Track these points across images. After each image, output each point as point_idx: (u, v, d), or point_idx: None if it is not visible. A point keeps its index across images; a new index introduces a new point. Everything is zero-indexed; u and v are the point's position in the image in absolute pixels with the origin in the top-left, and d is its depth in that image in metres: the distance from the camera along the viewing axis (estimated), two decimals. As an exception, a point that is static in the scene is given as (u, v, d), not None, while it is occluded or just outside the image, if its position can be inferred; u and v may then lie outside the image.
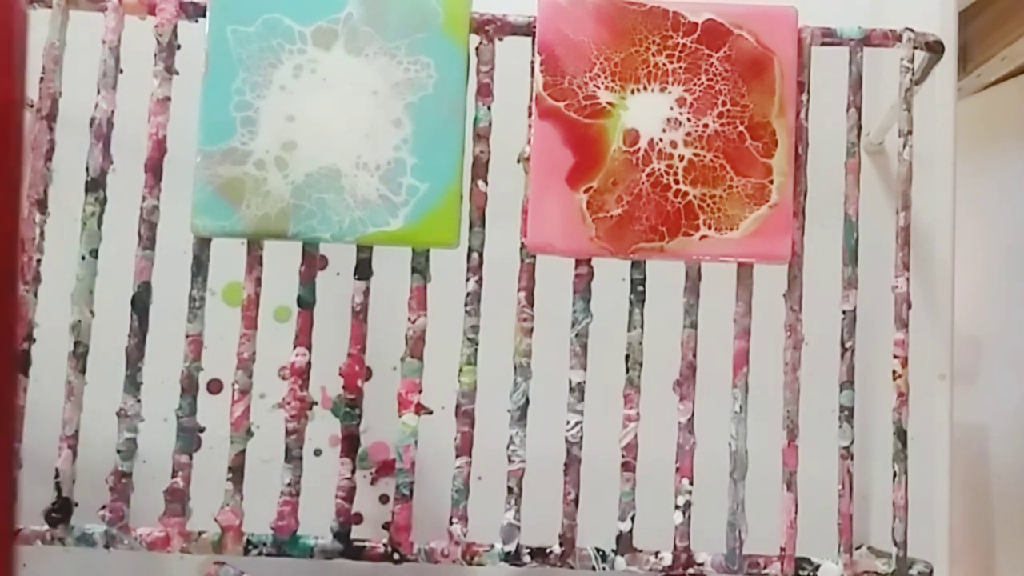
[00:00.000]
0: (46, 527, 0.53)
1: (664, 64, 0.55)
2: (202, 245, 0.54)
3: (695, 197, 0.54)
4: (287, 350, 0.54)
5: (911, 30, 0.57)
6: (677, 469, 0.55)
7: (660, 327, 0.55)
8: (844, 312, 0.56)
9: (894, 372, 0.55)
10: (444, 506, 0.54)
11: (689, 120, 0.55)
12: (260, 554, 0.54)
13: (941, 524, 0.66)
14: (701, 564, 0.54)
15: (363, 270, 0.55)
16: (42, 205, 0.54)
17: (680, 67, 0.55)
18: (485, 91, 0.56)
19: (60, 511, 0.53)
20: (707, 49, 0.55)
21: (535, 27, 0.55)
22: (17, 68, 0.27)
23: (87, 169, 0.54)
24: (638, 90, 0.55)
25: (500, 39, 0.56)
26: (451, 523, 0.54)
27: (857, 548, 0.61)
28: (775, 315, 0.55)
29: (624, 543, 0.54)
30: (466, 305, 0.55)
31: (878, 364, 0.61)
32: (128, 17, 0.55)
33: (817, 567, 0.55)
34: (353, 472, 0.54)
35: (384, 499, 0.65)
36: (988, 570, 1.11)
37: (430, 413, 0.55)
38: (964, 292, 0.78)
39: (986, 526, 1.11)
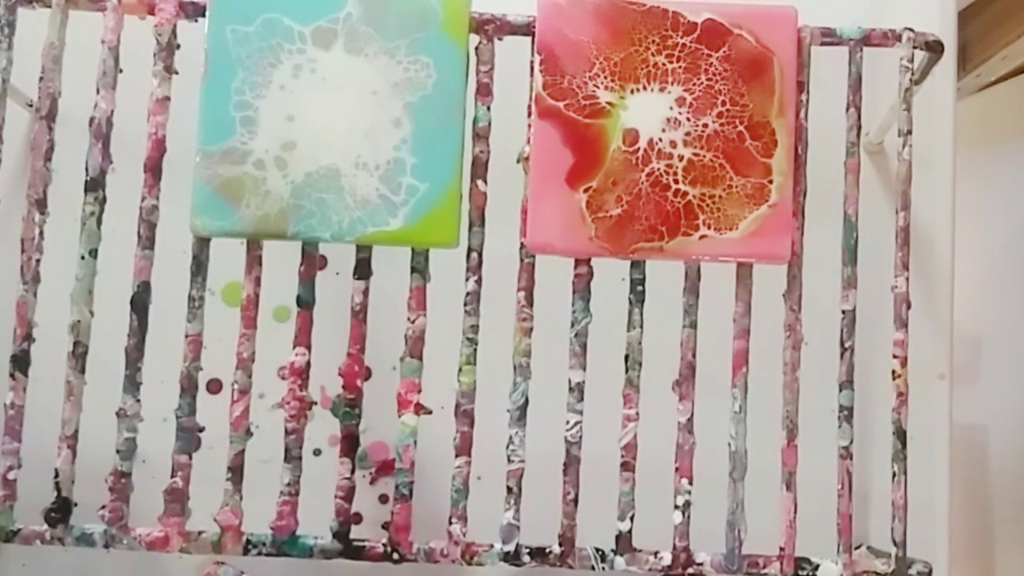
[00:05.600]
0: (45, 527, 0.53)
1: (664, 64, 0.55)
2: (201, 245, 0.54)
3: (694, 197, 0.54)
4: (287, 350, 0.54)
5: (911, 30, 0.57)
6: (676, 469, 0.55)
7: (660, 327, 0.55)
8: (843, 312, 0.56)
9: (893, 372, 0.55)
10: (444, 506, 0.54)
11: (689, 120, 0.55)
12: (259, 554, 0.54)
13: (941, 524, 0.66)
14: (700, 564, 0.54)
15: (363, 270, 0.55)
16: (41, 205, 0.54)
17: (680, 67, 0.55)
18: (485, 91, 0.56)
19: (59, 511, 0.53)
20: (707, 49, 0.55)
21: (534, 27, 0.55)
22: None
23: (86, 169, 0.54)
24: (637, 90, 0.55)
25: (499, 39, 0.56)
26: (450, 523, 0.54)
27: (856, 548, 0.61)
28: (775, 315, 0.55)
29: (623, 543, 0.54)
30: (465, 305, 0.55)
31: (877, 364, 0.61)
32: (127, 17, 0.55)
33: (816, 567, 0.55)
34: (352, 472, 0.54)
35: (384, 499, 0.65)
36: (988, 570, 1.11)
37: (429, 413, 0.55)
38: (963, 292, 0.78)
39: (986, 526, 1.11)
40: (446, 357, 0.55)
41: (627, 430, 0.54)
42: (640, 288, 0.55)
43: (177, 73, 0.55)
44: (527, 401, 0.54)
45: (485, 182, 0.55)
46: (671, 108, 0.55)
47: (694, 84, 0.55)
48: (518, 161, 0.56)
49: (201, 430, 0.54)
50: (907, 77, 0.57)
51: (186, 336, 0.54)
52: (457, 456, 0.54)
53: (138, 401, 0.54)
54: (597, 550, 0.54)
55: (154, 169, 0.54)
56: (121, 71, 0.55)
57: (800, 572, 0.55)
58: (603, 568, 0.54)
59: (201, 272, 0.54)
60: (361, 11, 0.54)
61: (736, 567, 0.54)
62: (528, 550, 0.54)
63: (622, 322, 0.55)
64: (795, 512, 0.54)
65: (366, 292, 0.55)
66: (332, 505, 0.54)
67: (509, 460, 0.54)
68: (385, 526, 0.58)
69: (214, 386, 0.63)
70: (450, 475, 0.54)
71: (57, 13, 0.55)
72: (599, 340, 0.55)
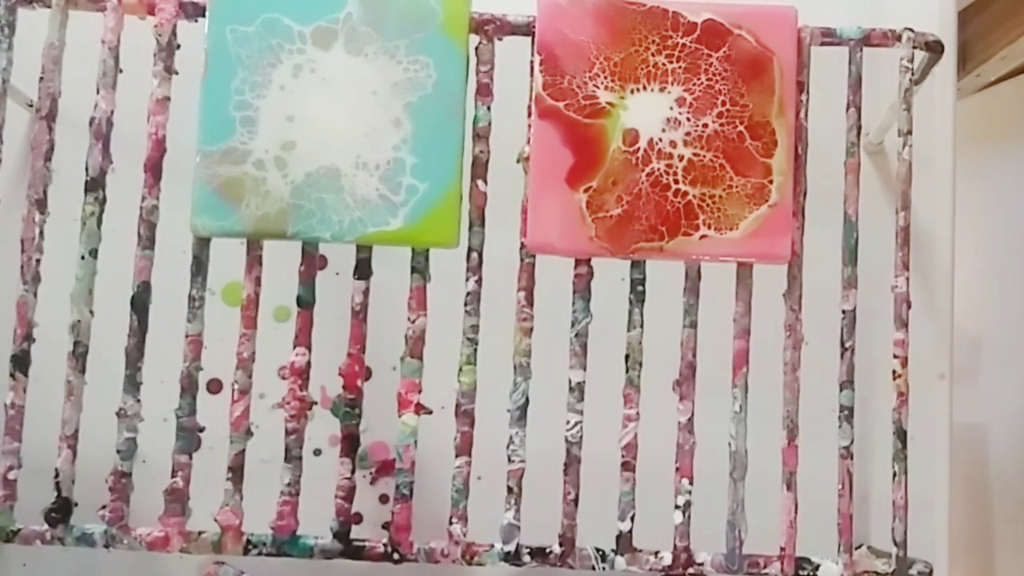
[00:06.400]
0: (46, 527, 0.53)
1: (664, 64, 0.55)
2: (201, 245, 0.54)
3: (695, 197, 0.54)
4: (287, 350, 0.54)
5: (911, 30, 0.57)
6: (677, 469, 0.55)
7: (660, 327, 0.55)
8: (844, 312, 0.56)
9: (894, 372, 0.55)
10: (444, 506, 0.54)
11: (689, 120, 0.55)
12: (260, 554, 0.54)
13: (941, 524, 0.66)
14: (701, 564, 0.54)
15: (363, 270, 0.55)
16: (41, 205, 0.54)
17: (680, 67, 0.55)
18: (485, 91, 0.56)
19: (60, 511, 0.53)
20: (707, 49, 0.55)
21: (534, 27, 0.55)
22: None
23: (87, 169, 0.54)
24: (637, 90, 0.55)
25: (499, 39, 0.56)
26: (451, 523, 0.54)
27: (857, 548, 0.61)
28: (775, 315, 0.55)
29: (624, 543, 0.54)
30: (466, 305, 0.55)
31: (878, 364, 0.61)
32: (127, 17, 0.55)
33: (817, 567, 0.55)
34: (353, 472, 0.54)
35: (384, 499, 0.65)
36: (988, 570, 1.11)
37: (430, 413, 0.55)
38: (964, 292, 0.78)
39: (986, 526, 1.11)
40: (446, 357, 0.55)
41: (627, 430, 0.54)
42: (640, 288, 0.55)
43: (177, 73, 0.55)
44: (527, 401, 0.54)
45: (485, 182, 0.55)
46: (671, 108, 0.55)
47: (694, 84, 0.55)
48: (518, 161, 0.56)
49: (201, 430, 0.54)
50: (907, 77, 0.57)
51: (186, 336, 0.54)
52: (457, 456, 0.54)
53: (138, 401, 0.54)
54: (597, 550, 0.54)
55: (154, 169, 0.54)
56: (121, 71, 0.55)
57: (800, 572, 0.55)
58: (603, 568, 0.54)
59: (201, 272, 0.54)
60: (361, 11, 0.54)
61: (736, 567, 0.54)
62: (528, 550, 0.54)
63: (622, 322, 0.55)
64: (795, 512, 0.54)
65: (366, 292, 0.55)
66: (332, 505, 0.54)
67: (509, 460, 0.54)
68: (385, 526, 0.58)
69: (214, 386, 0.63)
70: (450, 475, 0.54)
71: (57, 13, 0.55)
72: (599, 340, 0.55)
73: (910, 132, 0.57)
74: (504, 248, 0.56)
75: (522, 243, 0.55)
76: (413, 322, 0.54)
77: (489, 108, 0.56)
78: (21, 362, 0.53)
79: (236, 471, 0.54)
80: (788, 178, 0.55)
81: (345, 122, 0.54)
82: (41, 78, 0.55)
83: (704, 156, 0.54)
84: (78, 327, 0.53)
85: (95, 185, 0.54)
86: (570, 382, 0.54)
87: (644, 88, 0.55)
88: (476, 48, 0.56)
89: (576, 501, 0.54)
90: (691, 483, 0.54)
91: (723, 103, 0.55)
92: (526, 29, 0.56)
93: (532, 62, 0.55)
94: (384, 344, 0.58)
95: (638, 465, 0.54)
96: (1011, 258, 1.13)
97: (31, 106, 0.61)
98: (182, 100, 0.55)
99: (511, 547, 0.54)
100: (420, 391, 0.54)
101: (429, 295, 0.55)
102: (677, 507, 0.54)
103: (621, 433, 0.54)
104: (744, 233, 0.54)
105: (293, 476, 0.54)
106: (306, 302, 0.55)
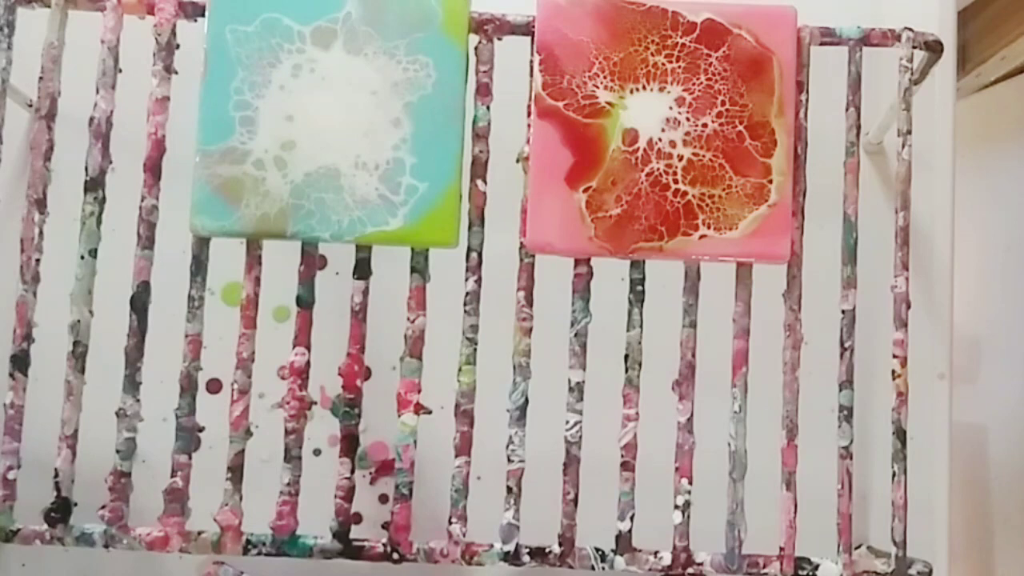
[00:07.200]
0: (45, 527, 0.53)
1: (663, 64, 0.55)
2: (201, 245, 0.54)
3: (694, 197, 0.54)
4: (286, 350, 0.54)
5: (910, 30, 0.57)
6: (676, 469, 0.55)
7: (659, 327, 0.55)
8: (843, 312, 0.56)
9: (893, 372, 0.55)
10: (443, 506, 0.54)
11: (688, 120, 0.55)
12: (259, 554, 0.54)
13: (940, 524, 0.66)
14: (700, 564, 0.54)
15: (362, 270, 0.55)
16: (41, 205, 0.54)
17: (679, 67, 0.55)
18: (484, 90, 0.56)
19: (59, 511, 0.53)
20: (706, 49, 0.55)
21: (534, 27, 0.55)
22: None
23: (86, 169, 0.54)
24: (637, 90, 0.55)
25: (499, 38, 0.56)
26: (450, 523, 0.54)
27: (856, 548, 0.61)
28: (775, 315, 0.55)
29: (623, 543, 0.54)
30: (465, 305, 0.55)
31: (877, 364, 0.61)
32: (127, 16, 0.55)
33: (816, 567, 0.55)
34: (352, 472, 0.54)
35: (383, 499, 0.65)
36: (988, 570, 1.11)
37: (429, 413, 0.55)
38: (963, 292, 0.78)
39: (985, 526, 1.11)
40: (446, 357, 0.55)
41: (627, 430, 0.54)
42: (640, 288, 0.55)
43: (177, 73, 0.55)
44: (527, 401, 0.54)
45: (485, 182, 0.55)
46: (670, 108, 0.55)
47: (693, 84, 0.55)
48: (518, 161, 0.56)
49: (201, 430, 0.54)
50: (906, 77, 0.57)
51: (186, 336, 0.54)
52: (457, 456, 0.54)
53: (138, 401, 0.54)
54: (597, 550, 0.54)
55: (154, 169, 0.54)
56: (121, 71, 0.55)
57: (800, 572, 0.55)
58: (603, 568, 0.54)
59: (201, 272, 0.54)
60: (361, 11, 0.54)
61: (736, 567, 0.54)
62: (528, 550, 0.54)
63: (622, 322, 0.55)
64: (795, 512, 0.54)
65: (366, 292, 0.55)
66: (332, 505, 0.54)
67: (509, 460, 0.54)
68: (385, 526, 0.58)
69: (214, 386, 0.63)
70: (450, 475, 0.54)
71: (57, 13, 0.55)
72: (599, 340, 0.55)
73: (910, 132, 0.57)
74: (504, 248, 0.56)
75: (522, 243, 0.55)
76: (413, 322, 0.54)
77: (489, 108, 0.56)
78: (21, 362, 0.53)
79: (236, 471, 0.54)
80: (787, 178, 0.55)
81: (345, 122, 0.54)
82: (41, 78, 0.55)
83: (703, 156, 0.54)
84: (78, 327, 0.53)
85: (95, 185, 0.54)
86: (570, 382, 0.54)
87: (643, 88, 0.55)
88: (476, 48, 0.56)
89: (576, 501, 0.54)
90: (691, 483, 0.54)
91: (722, 103, 0.55)
92: (526, 29, 0.56)
93: (532, 62, 0.55)
94: (384, 344, 0.58)
95: (638, 465, 0.54)
96: (1011, 258, 1.13)
97: (31, 106, 0.61)
98: (182, 100, 0.55)
99: (510, 547, 0.54)
100: (420, 391, 0.54)
101: (429, 295, 0.55)
102: (677, 507, 0.54)
103: (621, 433, 0.55)
104: (743, 233, 0.54)
105: (292, 476, 0.54)
106: (306, 302, 0.55)
